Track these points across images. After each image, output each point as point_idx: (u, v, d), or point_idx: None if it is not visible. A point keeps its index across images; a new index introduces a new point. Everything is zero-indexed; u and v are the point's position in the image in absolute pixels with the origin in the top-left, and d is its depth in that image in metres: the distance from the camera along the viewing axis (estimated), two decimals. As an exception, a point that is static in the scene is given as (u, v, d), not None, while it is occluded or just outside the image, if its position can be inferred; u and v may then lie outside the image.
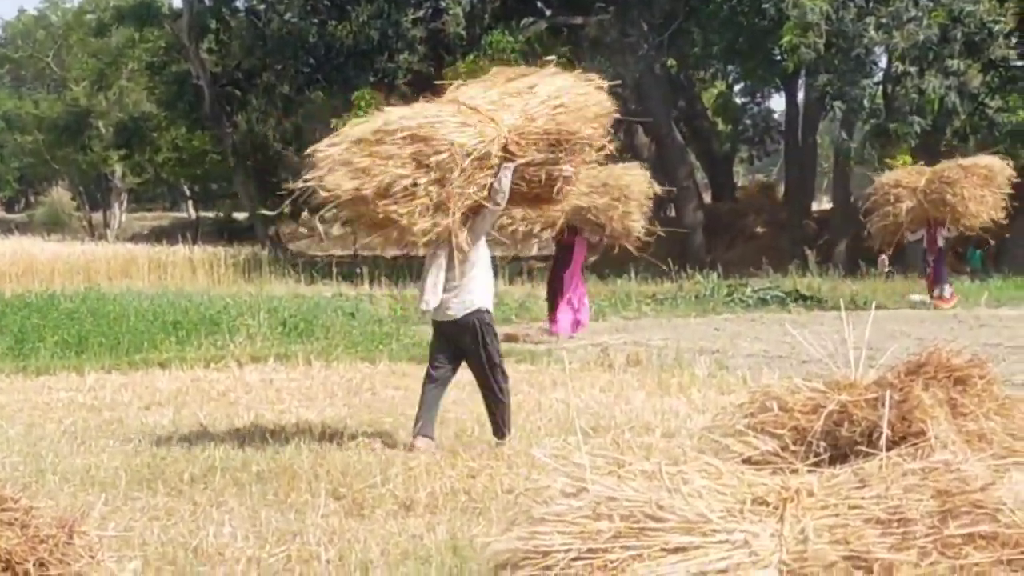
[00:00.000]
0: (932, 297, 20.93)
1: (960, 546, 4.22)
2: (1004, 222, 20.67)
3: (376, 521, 7.07)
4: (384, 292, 24.79)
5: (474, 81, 9.36)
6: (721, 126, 38.15)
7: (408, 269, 27.64)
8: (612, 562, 4.06)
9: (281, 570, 6.13)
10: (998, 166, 20.26)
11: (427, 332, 16.06)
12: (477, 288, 8.79)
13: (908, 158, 27.50)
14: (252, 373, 13.70)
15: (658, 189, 18.55)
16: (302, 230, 45.48)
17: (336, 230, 35.69)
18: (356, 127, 8.90)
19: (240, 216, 43.71)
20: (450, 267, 8.63)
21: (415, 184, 8.15)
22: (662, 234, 18.10)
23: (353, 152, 8.37)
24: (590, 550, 4.08)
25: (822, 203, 43.00)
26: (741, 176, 46.55)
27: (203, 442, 9.30)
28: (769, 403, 5.98)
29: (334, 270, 29.11)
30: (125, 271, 30.40)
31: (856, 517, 4.32)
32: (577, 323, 17.49)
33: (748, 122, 38.51)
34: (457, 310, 8.71)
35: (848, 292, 21.92)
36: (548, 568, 4.03)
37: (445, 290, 8.70)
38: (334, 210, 9.05)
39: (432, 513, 7.19)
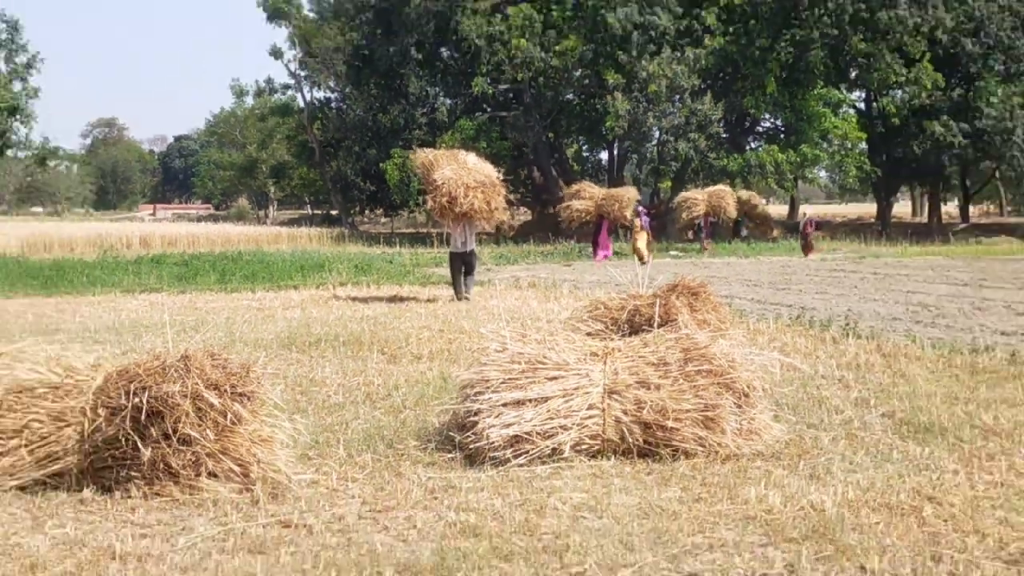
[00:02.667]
0: (703, 247, 36.64)
1: (695, 375, 7.34)
2: (729, 216, 39.57)
3: (403, 365, 11.21)
4: (407, 251, 38.18)
5: (447, 154, 19.71)
6: (576, 168, 56.03)
7: (424, 240, 45.43)
8: (521, 382, 7.17)
9: (355, 388, 9.72)
10: (729, 190, 39.75)
11: (431, 270, 26.61)
12: (472, 239, 19.06)
13: (669, 183, 48.85)
14: (340, 291, 21.62)
15: (599, 195, 34.47)
16: (364, 219, 70.82)
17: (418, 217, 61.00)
18: (442, 167, 18.51)
19: (334, 213, 66.10)
20: (466, 232, 18.82)
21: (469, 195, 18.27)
22: (625, 222, 33.84)
23: (446, 176, 18.25)
24: (509, 378, 7.31)
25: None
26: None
27: (314, 325, 14.56)
28: (599, 305, 10.41)
29: (381, 240, 48.03)
30: (276, 240, 47.28)
31: (641, 361, 7.39)
32: (605, 257, 31.32)
33: (589, 165, 59.85)
34: (467, 246, 18.90)
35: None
36: (488, 385, 7.25)
37: (460, 240, 18.83)
38: (428, 204, 19.62)
39: (431, 360, 11.46)
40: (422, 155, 19.08)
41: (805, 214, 41.46)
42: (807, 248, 34.84)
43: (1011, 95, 45.98)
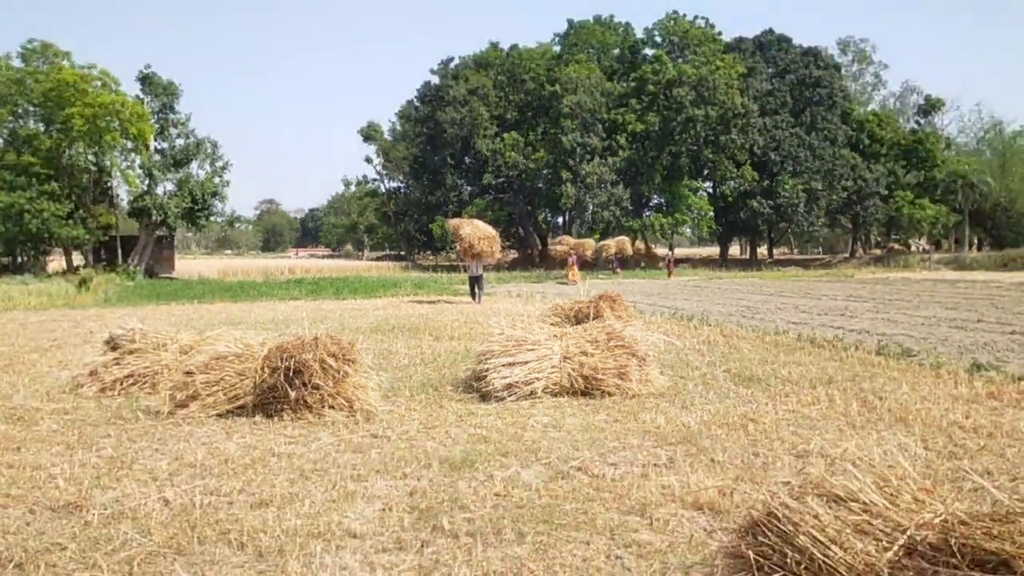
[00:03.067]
0: (616, 273, 35.25)
1: (614, 348, 7.21)
2: (628, 254, 38.91)
3: (443, 342, 10.59)
4: (445, 275, 35.16)
5: (467, 220, 18.69)
6: (544, 227, 53.25)
7: (454, 268, 42.96)
8: (512, 352, 7.02)
9: (415, 355, 9.27)
10: (627, 239, 38.97)
11: (457, 287, 24.81)
12: (481, 268, 19.04)
13: (598, 235, 44.07)
14: (405, 299, 21.30)
15: (572, 243, 34.07)
16: (420, 257, 63.18)
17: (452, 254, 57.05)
18: (464, 228, 18.65)
19: (402, 253, 61.57)
20: (477, 265, 18.80)
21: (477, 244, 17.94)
22: (588, 259, 32.94)
23: (467, 232, 18.87)
24: (505, 350, 7.12)
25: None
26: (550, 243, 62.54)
27: (391, 319, 13.74)
28: (557, 307, 9.89)
29: (430, 269, 45.73)
30: (368, 270, 45.10)
31: (582, 340, 7.24)
32: (575, 282, 28.16)
33: (551, 226, 54.54)
34: (478, 272, 19.00)
35: (587, 278, 32.08)
36: (492, 354, 7.03)
37: (475, 269, 18.96)
38: (456, 246, 18.57)
39: (460, 339, 10.86)
40: (453, 221, 20.34)
41: (669, 254, 42.32)
42: (669, 273, 35.43)
43: (796, 185, 46.55)
